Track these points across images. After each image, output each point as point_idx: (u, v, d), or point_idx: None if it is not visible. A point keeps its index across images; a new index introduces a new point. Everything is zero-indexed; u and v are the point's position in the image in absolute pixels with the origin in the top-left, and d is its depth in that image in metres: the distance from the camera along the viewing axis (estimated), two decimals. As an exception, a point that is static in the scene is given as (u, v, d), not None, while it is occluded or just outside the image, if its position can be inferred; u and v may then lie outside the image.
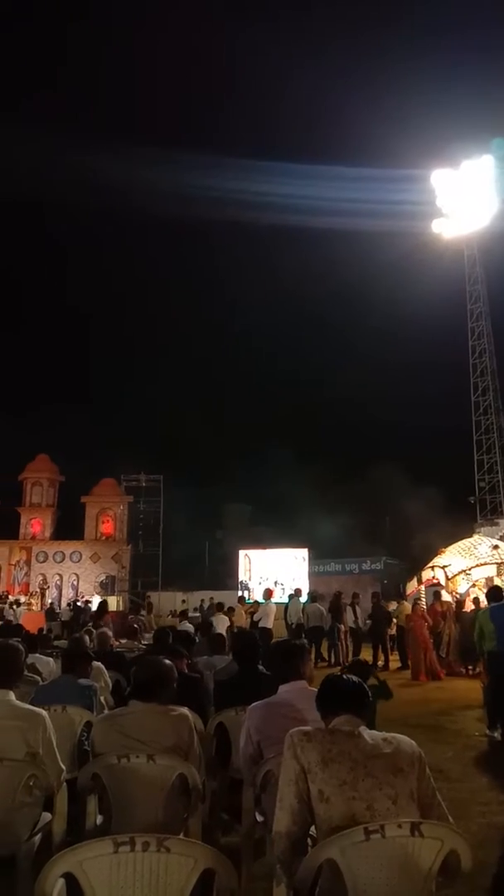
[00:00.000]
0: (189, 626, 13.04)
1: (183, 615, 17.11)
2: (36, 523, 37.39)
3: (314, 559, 31.06)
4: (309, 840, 2.27)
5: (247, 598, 23.65)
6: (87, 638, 6.70)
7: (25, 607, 26.93)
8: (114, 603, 30.63)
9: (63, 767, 3.24)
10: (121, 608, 28.23)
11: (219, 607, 16.10)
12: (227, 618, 13.98)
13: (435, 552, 20.70)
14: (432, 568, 19.74)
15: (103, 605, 13.87)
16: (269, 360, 61.87)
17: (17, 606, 27.19)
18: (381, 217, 33.95)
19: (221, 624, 12.80)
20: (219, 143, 60.74)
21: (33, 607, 27.75)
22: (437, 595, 15.46)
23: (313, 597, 17.64)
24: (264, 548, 30.60)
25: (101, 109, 62.63)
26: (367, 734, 2.27)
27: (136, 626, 10.35)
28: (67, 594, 34.99)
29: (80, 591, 35.04)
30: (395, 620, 15.23)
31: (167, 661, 3.28)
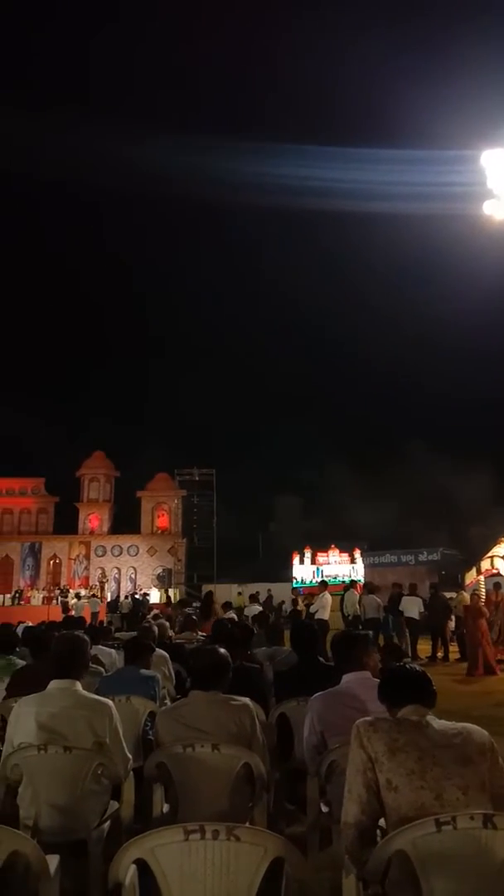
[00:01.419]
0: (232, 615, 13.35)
1: (227, 606, 17.30)
2: (94, 518, 38.16)
3: (369, 551, 30.79)
4: (378, 831, 2.25)
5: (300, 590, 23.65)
6: (155, 629, 6.81)
7: (87, 600, 27.52)
8: (171, 595, 31.13)
9: (130, 756, 3.29)
10: (176, 600, 28.56)
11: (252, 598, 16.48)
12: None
13: (494, 541, 20.26)
14: (491, 558, 19.33)
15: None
16: (322, 352, 61.49)
17: (79, 599, 27.87)
18: (430, 199, 33.18)
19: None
20: (266, 129, 60.36)
21: (97, 599, 28.35)
22: (497, 586, 15.11)
23: (369, 588, 17.49)
24: (322, 551, 30.19)
25: (146, 97, 62.99)
26: (436, 723, 2.24)
27: (194, 617, 10.47)
28: (126, 587, 35.62)
29: (137, 583, 35.63)
30: (454, 610, 14.96)
31: (222, 650, 3.31)
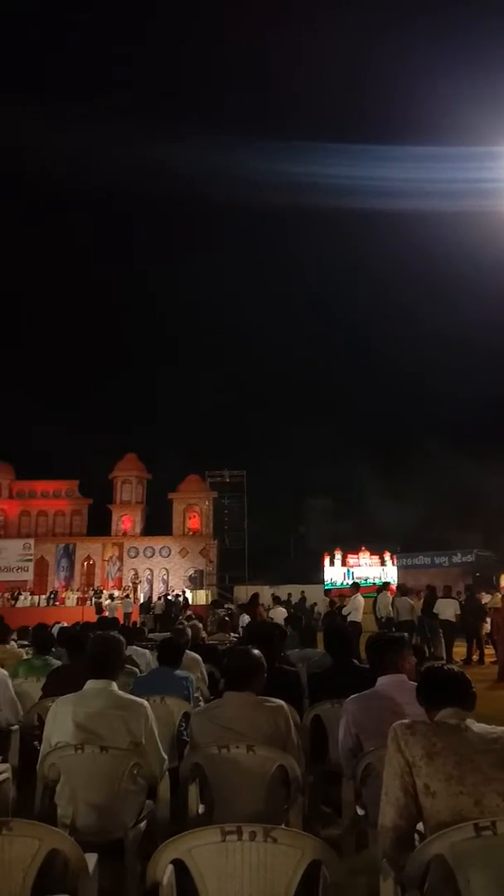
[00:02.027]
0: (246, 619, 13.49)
1: (243, 607, 17.33)
2: (126, 520, 38.46)
3: (402, 552, 30.51)
4: (416, 835, 2.23)
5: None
6: (189, 631, 6.84)
7: (121, 601, 27.77)
8: (203, 597, 31.27)
9: (165, 757, 3.31)
10: (209, 602, 28.71)
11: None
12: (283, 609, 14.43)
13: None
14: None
15: (255, 597, 14.40)
16: (350, 351, 61.22)
17: (113, 600, 28.12)
18: (460, 196, 32.86)
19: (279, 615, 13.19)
20: (291, 128, 60.11)
21: (129, 601, 28.64)
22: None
23: (402, 590, 17.33)
24: (352, 553, 29.99)
25: (174, 97, 63.18)
26: (476, 727, 2.21)
27: (226, 618, 10.49)
28: (158, 588, 35.84)
29: (170, 585, 35.82)
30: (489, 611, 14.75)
31: (256, 651, 3.31)
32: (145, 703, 3.25)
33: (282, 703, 3.19)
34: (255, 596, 15.10)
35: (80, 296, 64.97)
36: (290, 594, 26.45)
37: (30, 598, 31.37)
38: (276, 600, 17.92)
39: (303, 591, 26.39)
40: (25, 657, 6.13)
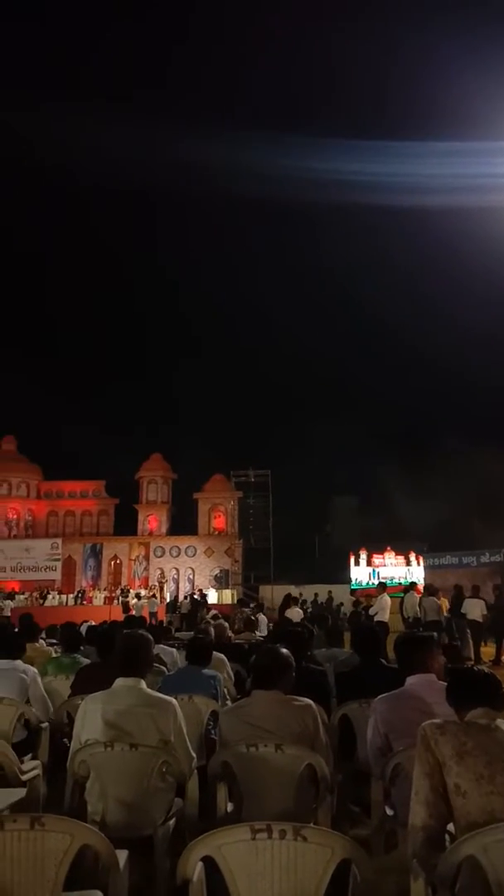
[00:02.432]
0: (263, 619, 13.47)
1: (259, 608, 17.30)
2: (152, 519, 38.69)
3: (429, 552, 30.26)
4: (447, 836, 2.21)
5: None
6: (212, 630, 6.86)
7: (147, 600, 27.94)
8: (228, 596, 31.35)
9: (194, 755, 3.32)
10: (234, 601, 28.79)
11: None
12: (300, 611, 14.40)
13: None
14: None
15: (288, 598, 14.46)
16: (377, 348, 60.88)
17: (139, 599, 28.31)
18: (485, 192, 32.44)
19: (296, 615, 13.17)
20: (319, 125, 59.94)
21: (155, 600, 28.82)
22: None
23: (429, 590, 17.17)
24: (378, 553, 29.84)
25: (198, 94, 63.20)
26: (507, 728, 2.19)
27: (253, 617, 10.49)
28: (184, 587, 35.99)
29: (196, 584, 35.94)
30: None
31: (285, 650, 3.30)
32: (174, 701, 3.26)
33: (310, 701, 3.19)
34: (288, 596, 15.09)
35: (104, 296, 65.51)
36: (316, 594, 26.39)
37: (58, 597, 31.75)
38: (294, 601, 17.92)
39: (330, 591, 26.35)
40: (54, 655, 6.20)
